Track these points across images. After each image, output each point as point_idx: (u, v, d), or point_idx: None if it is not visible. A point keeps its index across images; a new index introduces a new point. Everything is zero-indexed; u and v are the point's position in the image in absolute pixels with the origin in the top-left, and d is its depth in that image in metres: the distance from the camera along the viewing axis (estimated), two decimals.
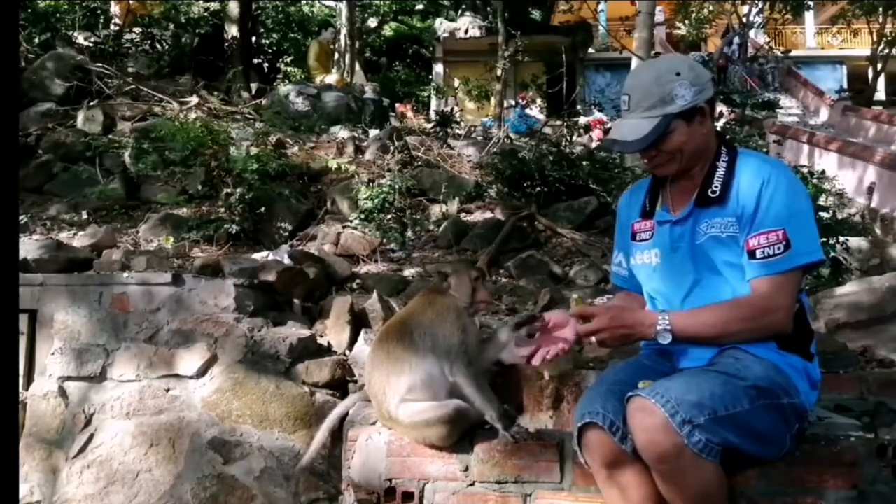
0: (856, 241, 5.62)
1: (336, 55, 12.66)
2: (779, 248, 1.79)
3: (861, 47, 21.85)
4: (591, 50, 20.40)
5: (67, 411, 3.09)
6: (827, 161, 11.58)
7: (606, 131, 9.53)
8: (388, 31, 20.68)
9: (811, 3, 19.88)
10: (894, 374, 2.96)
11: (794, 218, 1.81)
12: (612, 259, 2.26)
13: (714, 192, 1.91)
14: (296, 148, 7.50)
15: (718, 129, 2.15)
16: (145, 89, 8.32)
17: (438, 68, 19.45)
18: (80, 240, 4.82)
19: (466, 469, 2.17)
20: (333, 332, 3.32)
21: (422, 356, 2.19)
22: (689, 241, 1.94)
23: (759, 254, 1.81)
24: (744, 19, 19.30)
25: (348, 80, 11.69)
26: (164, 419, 2.99)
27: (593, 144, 9.87)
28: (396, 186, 6.31)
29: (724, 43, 19.91)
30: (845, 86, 20.73)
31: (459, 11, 19.56)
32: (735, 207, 1.87)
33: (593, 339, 1.90)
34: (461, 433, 2.18)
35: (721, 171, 1.92)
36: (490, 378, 2.37)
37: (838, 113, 16.59)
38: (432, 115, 13.17)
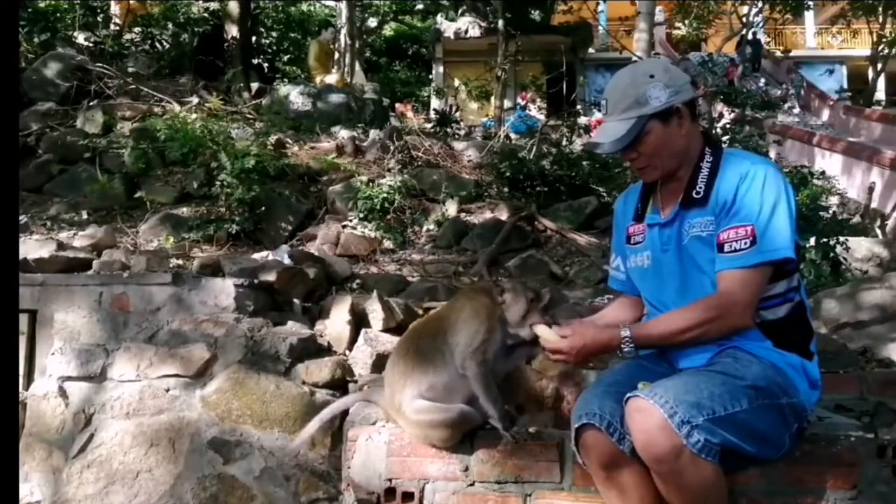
0: (856, 241, 5.62)
1: (336, 55, 12.65)
2: (745, 244, 1.80)
3: (861, 47, 21.87)
4: (590, 50, 20.42)
5: (67, 411, 3.09)
6: (827, 161, 11.58)
7: None
8: (388, 31, 20.70)
9: (811, 3, 19.88)
10: (894, 374, 2.96)
11: (764, 214, 1.81)
12: (610, 262, 2.27)
13: (698, 192, 1.92)
14: (296, 148, 7.50)
15: (718, 129, 2.16)
16: (145, 89, 8.33)
17: (438, 68, 19.46)
18: (80, 240, 4.81)
19: (466, 469, 2.17)
20: (333, 332, 3.32)
21: (449, 358, 2.18)
22: (677, 243, 1.96)
23: (726, 247, 1.83)
24: (743, 19, 19.28)
25: (348, 80, 11.68)
26: (164, 419, 2.99)
27: None
28: (396, 186, 6.31)
29: (723, 42, 19.85)
30: (845, 86, 20.73)
31: (459, 11, 19.56)
32: (714, 206, 1.89)
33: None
34: (462, 436, 2.18)
35: (705, 171, 1.93)
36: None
37: (838, 113, 16.60)
38: (432, 115, 13.17)
